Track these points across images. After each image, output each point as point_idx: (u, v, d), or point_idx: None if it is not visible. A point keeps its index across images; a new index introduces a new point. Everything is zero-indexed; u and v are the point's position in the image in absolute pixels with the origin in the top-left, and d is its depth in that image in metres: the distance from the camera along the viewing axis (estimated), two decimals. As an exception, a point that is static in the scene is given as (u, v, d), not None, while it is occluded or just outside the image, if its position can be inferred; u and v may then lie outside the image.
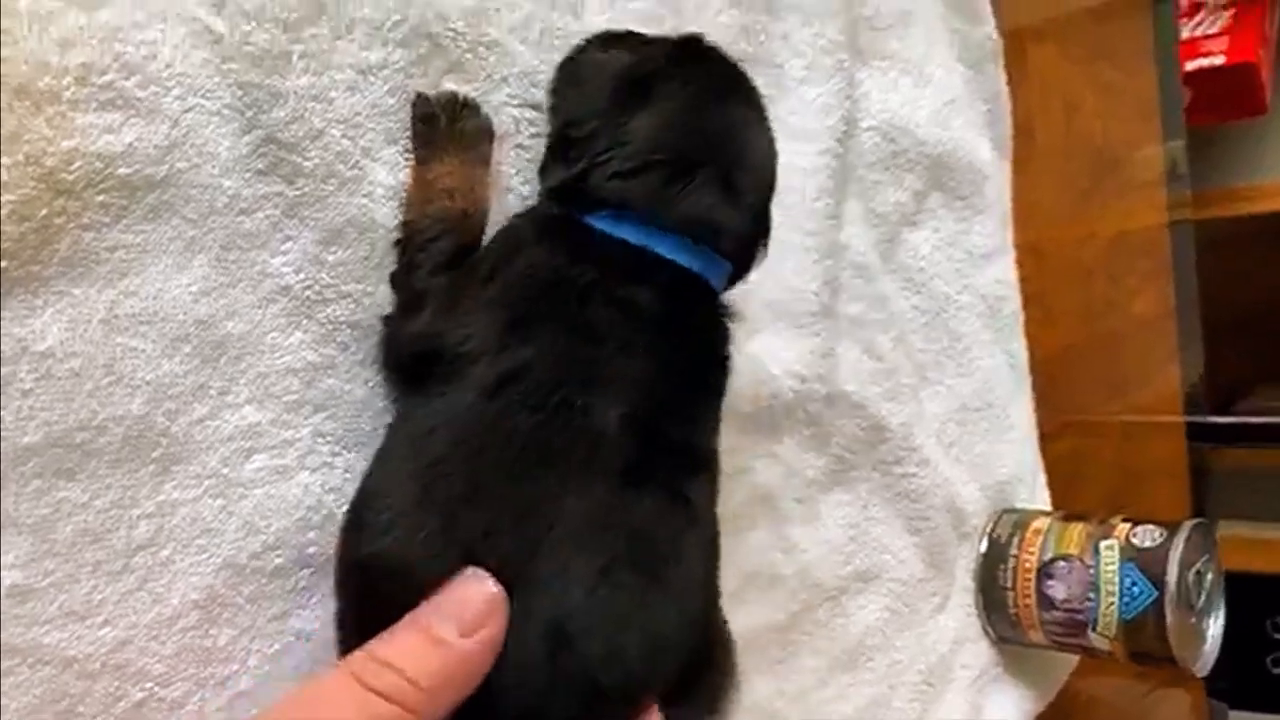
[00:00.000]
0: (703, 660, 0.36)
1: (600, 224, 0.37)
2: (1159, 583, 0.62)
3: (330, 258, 0.36)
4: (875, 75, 0.62)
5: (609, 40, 0.42)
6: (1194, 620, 0.64)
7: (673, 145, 0.37)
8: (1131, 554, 0.64)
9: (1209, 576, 0.66)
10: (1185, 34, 1.91)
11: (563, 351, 0.33)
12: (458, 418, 0.32)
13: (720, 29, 0.52)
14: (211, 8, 0.33)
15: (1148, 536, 0.65)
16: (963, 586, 0.69)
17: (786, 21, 0.56)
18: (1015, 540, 0.70)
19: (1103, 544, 0.66)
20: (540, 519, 0.31)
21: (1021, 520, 0.71)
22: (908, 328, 0.65)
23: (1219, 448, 1.29)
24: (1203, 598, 0.65)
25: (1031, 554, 0.69)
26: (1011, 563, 0.69)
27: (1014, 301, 0.74)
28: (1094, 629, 0.65)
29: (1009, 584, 0.69)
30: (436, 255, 0.37)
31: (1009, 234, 0.74)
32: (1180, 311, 1.04)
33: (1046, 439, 0.77)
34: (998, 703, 0.70)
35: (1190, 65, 1.78)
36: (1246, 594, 1.28)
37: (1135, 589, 0.63)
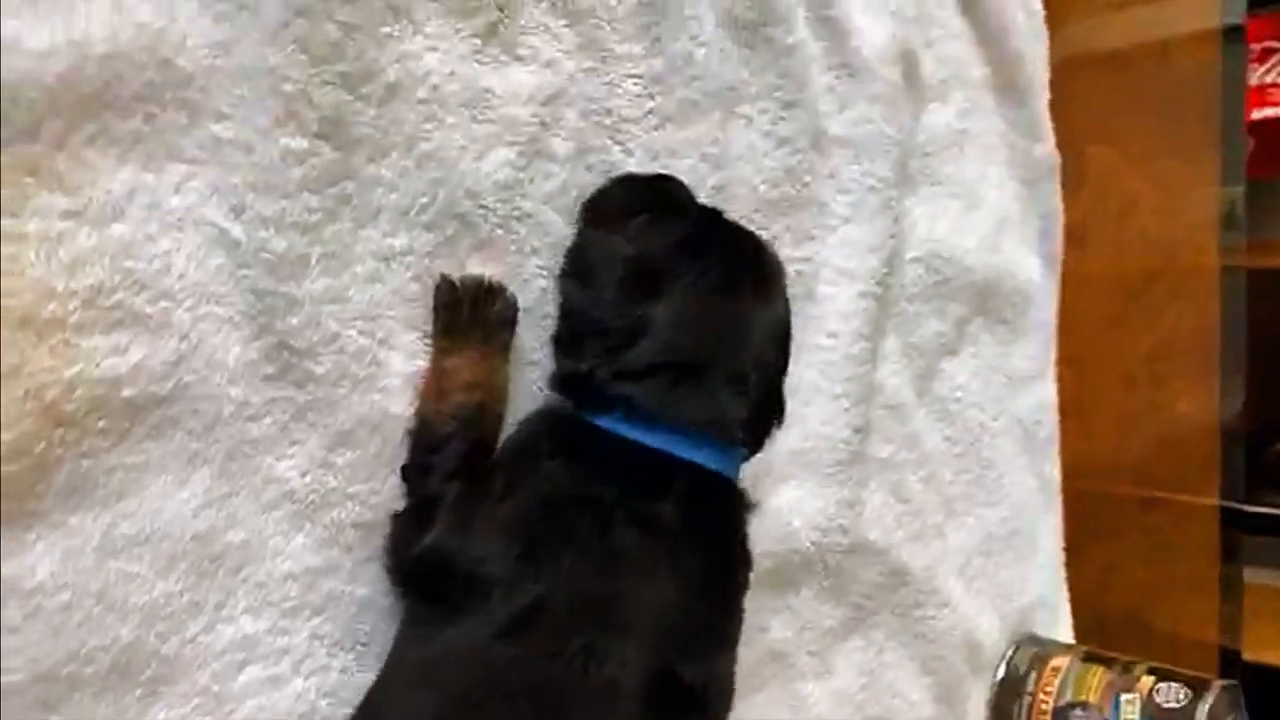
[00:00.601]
0: None
1: (613, 426, 0.36)
2: (1180, 752, 0.60)
3: (339, 460, 0.35)
4: (924, 202, 0.60)
5: (620, 212, 0.40)
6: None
7: (681, 346, 0.36)
8: (1153, 713, 0.62)
9: (1228, 730, 0.64)
10: (1254, 80, 1.83)
11: (581, 587, 0.32)
12: (471, 657, 0.31)
13: (766, 173, 0.50)
14: (230, 213, 0.32)
15: (1172, 696, 0.63)
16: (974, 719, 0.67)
17: (834, 159, 0.54)
18: (1033, 676, 0.68)
19: (1124, 697, 0.64)
20: None
21: (1041, 654, 0.69)
22: (939, 463, 0.63)
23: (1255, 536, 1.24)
24: (1224, 760, 0.63)
25: (1049, 695, 0.67)
26: (1027, 700, 0.67)
27: (1051, 424, 0.72)
28: (1105, 783, 0.63)
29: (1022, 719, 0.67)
30: (451, 458, 0.36)
31: (1052, 354, 0.72)
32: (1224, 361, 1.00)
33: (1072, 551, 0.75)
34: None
35: (1257, 114, 1.71)
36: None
37: (1152, 752, 0.61)
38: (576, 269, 0.39)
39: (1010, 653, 0.70)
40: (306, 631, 0.35)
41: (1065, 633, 0.74)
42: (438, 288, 0.37)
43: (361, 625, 0.36)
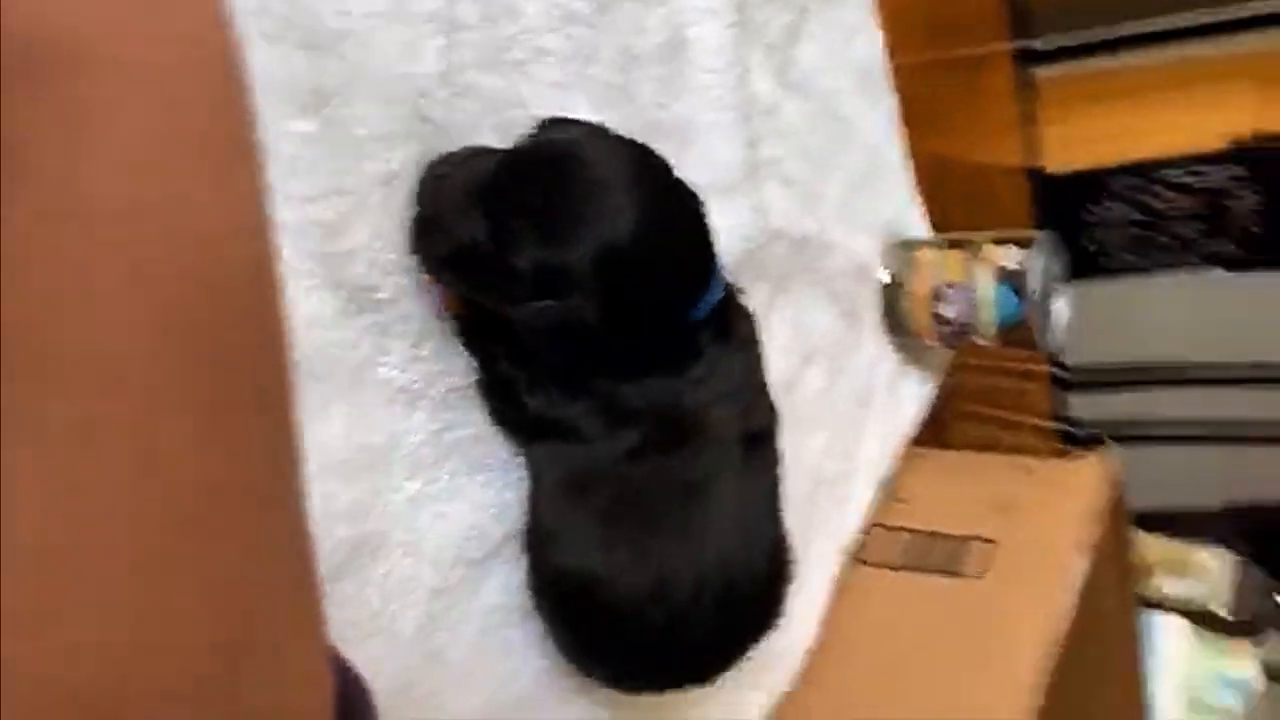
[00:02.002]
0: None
1: None
2: (1025, 295, 0.80)
3: (424, 350, 0.44)
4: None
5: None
6: (1049, 313, 0.82)
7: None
8: (1002, 276, 0.81)
9: (1055, 269, 0.84)
10: None
11: (665, 407, 0.44)
12: (607, 471, 0.44)
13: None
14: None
15: (1014, 257, 0.81)
16: (871, 322, 0.85)
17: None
18: (908, 273, 0.85)
19: (978, 269, 0.82)
20: (698, 512, 0.44)
21: (911, 254, 0.86)
22: (806, 135, 0.74)
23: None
24: (1053, 290, 0.83)
25: (923, 283, 0.85)
26: (908, 292, 0.85)
27: (881, 60, 0.83)
28: (977, 334, 0.83)
29: (907, 309, 0.86)
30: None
31: (873, -1, 0.81)
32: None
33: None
34: (908, 391, 0.90)
35: None
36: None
37: (1007, 303, 0.81)
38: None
39: (886, 260, 0.86)
40: (447, 473, 0.46)
41: (923, 228, 0.92)
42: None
43: (485, 455, 0.47)
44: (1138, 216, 1.54)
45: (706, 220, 0.46)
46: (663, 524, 0.44)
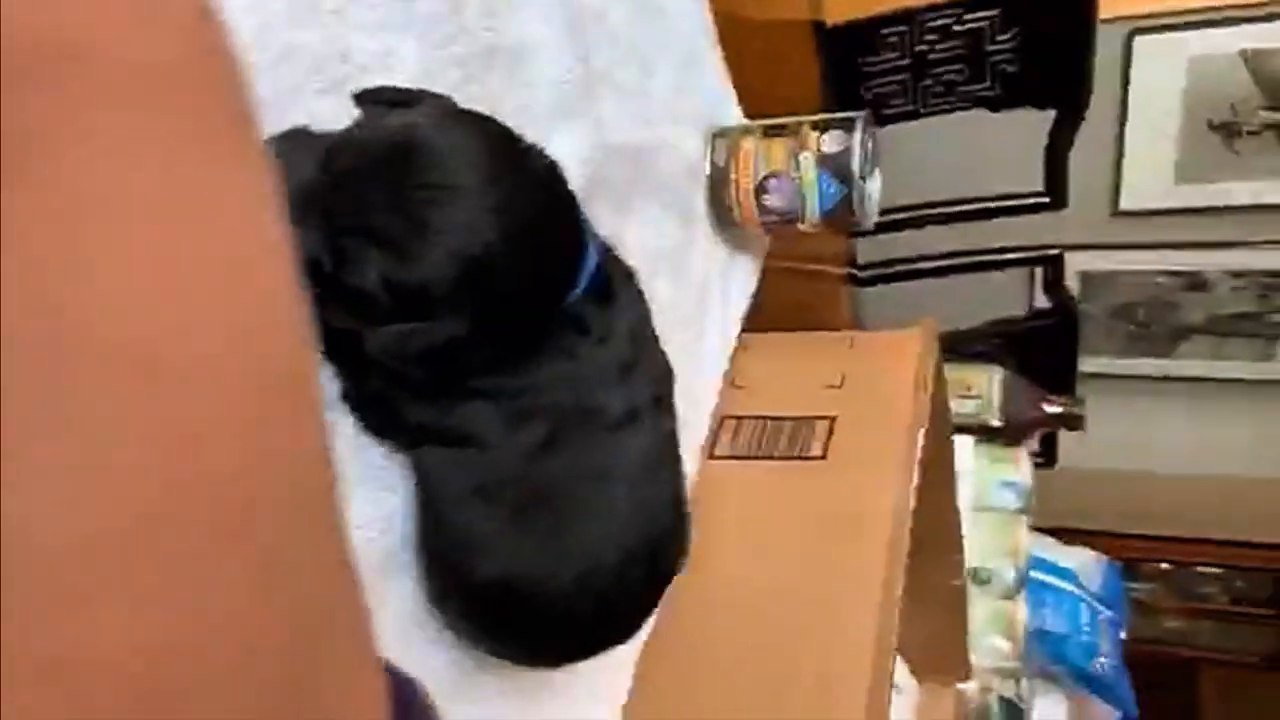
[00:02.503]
0: None
1: None
2: (847, 181, 0.81)
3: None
4: None
5: None
6: (867, 193, 0.84)
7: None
8: (824, 163, 0.81)
9: (871, 147, 0.85)
10: None
11: (565, 395, 0.41)
12: (518, 475, 0.40)
13: None
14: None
15: (833, 142, 0.82)
16: (700, 218, 0.84)
17: None
18: (731, 164, 0.84)
19: (801, 156, 0.82)
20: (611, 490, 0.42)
21: (732, 144, 0.84)
22: (630, 37, 0.69)
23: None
24: (871, 169, 0.85)
25: (747, 175, 0.84)
26: (732, 186, 0.84)
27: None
28: (801, 222, 0.84)
29: (733, 202, 0.85)
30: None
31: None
32: None
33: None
34: (738, 281, 0.90)
35: None
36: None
37: (829, 190, 0.82)
38: None
39: (708, 152, 0.84)
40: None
41: (737, 113, 0.90)
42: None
43: (360, 467, 0.43)
44: (907, 63, 1.60)
45: (570, 190, 0.42)
46: (579, 513, 0.42)
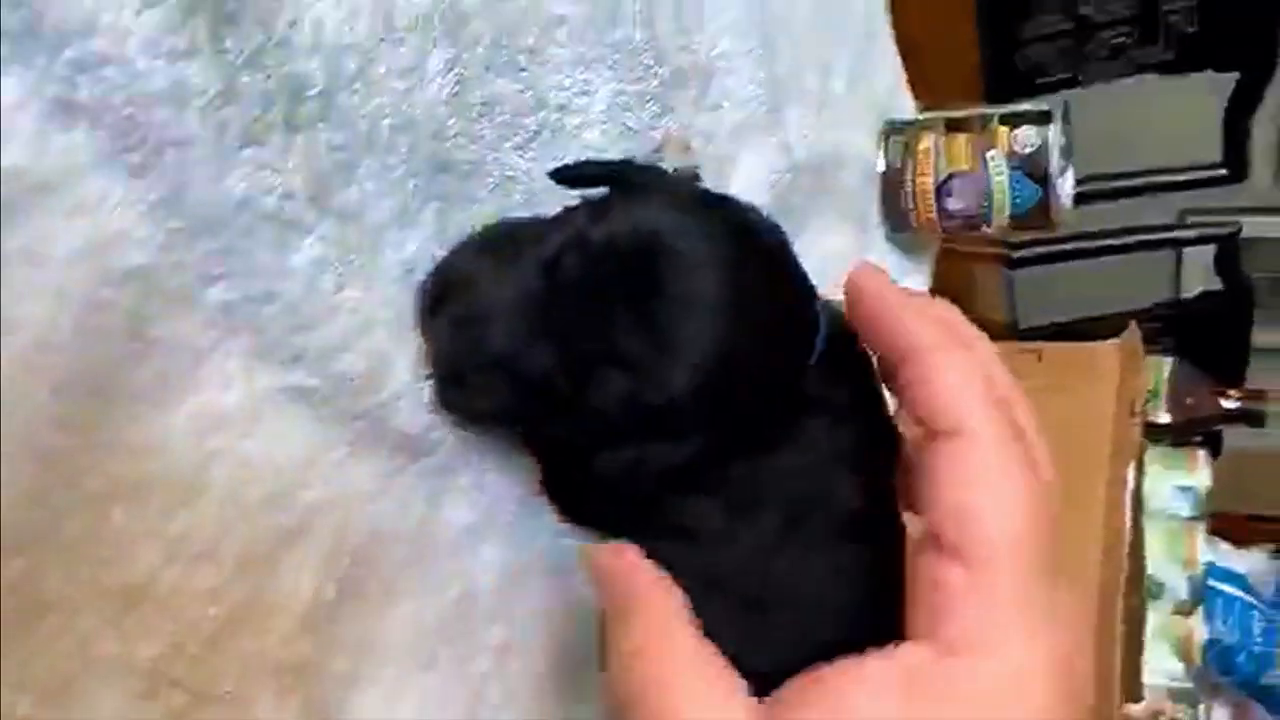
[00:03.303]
0: None
1: None
2: (1043, 182, 0.72)
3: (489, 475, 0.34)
4: None
5: None
6: (1063, 194, 0.75)
7: None
8: (1016, 161, 0.73)
9: (1067, 143, 0.76)
10: None
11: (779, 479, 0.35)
12: (749, 568, 0.35)
13: None
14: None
15: (1026, 141, 0.73)
16: (875, 225, 0.77)
17: None
18: (909, 164, 0.76)
19: (989, 154, 0.74)
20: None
21: (909, 141, 0.76)
22: (815, 36, 0.62)
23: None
24: (1067, 167, 0.76)
25: (927, 175, 0.76)
26: (910, 187, 0.76)
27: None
28: (988, 225, 0.76)
29: (910, 204, 0.77)
30: None
31: None
32: None
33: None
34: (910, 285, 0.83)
35: None
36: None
37: (1023, 191, 0.73)
38: None
39: (881, 149, 0.77)
40: (526, 608, 0.37)
41: (911, 105, 0.82)
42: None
43: (565, 568, 0.38)
44: (1069, 27, 1.47)
45: (796, 260, 0.36)
46: (813, 610, 0.37)
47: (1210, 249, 1.62)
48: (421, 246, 0.31)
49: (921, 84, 0.83)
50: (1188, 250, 1.62)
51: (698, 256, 0.30)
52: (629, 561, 0.30)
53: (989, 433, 0.27)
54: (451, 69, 0.31)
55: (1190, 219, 1.58)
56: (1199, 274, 1.64)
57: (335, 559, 0.29)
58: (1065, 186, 0.75)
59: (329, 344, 0.26)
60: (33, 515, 0.21)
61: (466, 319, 0.29)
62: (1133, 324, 0.79)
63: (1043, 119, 0.73)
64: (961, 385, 0.27)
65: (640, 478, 0.30)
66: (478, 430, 0.33)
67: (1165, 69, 1.46)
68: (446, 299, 0.30)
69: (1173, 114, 1.48)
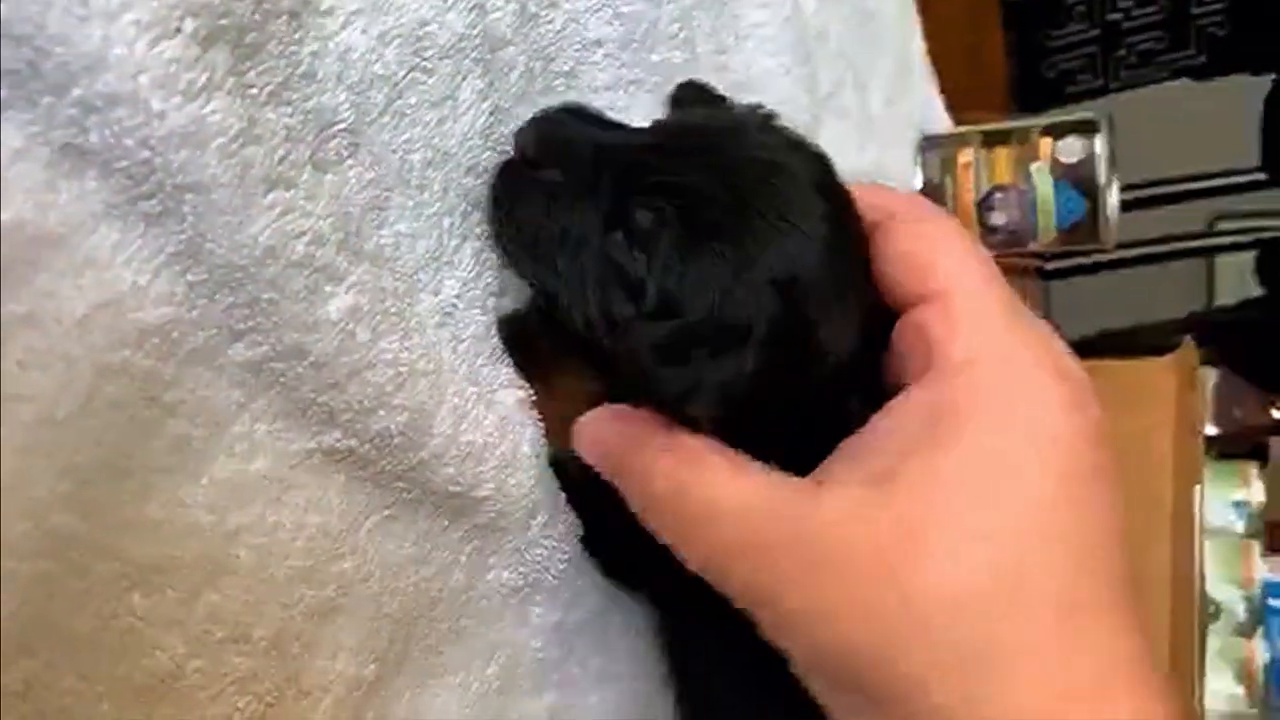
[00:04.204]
0: None
1: None
2: (1091, 193, 0.69)
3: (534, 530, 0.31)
4: None
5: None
6: (1110, 207, 0.72)
7: None
8: (1061, 173, 0.70)
9: (1112, 151, 0.73)
10: None
11: None
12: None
13: None
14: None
15: (1071, 151, 0.70)
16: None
17: None
18: (948, 179, 0.73)
19: (1033, 167, 0.71)
20: None
21: (947, 155, 0.74)
22: (852, 55, 0.60)
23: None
24: (1113, 177, 0.73)
25: (968, 190, 0.73)
26: (949, 203, 0.74)
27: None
28: (1034, 240, 0.73)
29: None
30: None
31: None
32: None
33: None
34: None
35: None
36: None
37: (1070, 203, 0.70)
38: None
39: (917, 164, 0.74)
40: (577, 665, 0.34)
41: (946, 118, 0.79)
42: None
43: (617, 627, 0.35)
44: (1096, 34, 1.44)
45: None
46: None
47: (1245, 255, 1.58)
48: (458, 289, 0.28)
49: (949, 95, 0.81)
50: (1220, 257, 1.58)
51: (798, 163, 0.30)
52: (629, 414, 0.27)
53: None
54: (486, 98, 0.29)
55: (1221, 224, 1.54)
56: (1234, 280, 1.60)
57: (374, 634, 0.26)
58: (1113, 197, 0.73)
59: (365, 401, 0.24)
60: (41, 610, 0.19)
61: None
62: (1187, 338, 0.75)
63: (1087, 128, 0.70)
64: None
65: (701, 395, 0.26)
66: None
67: (1197, 74, 1.43)
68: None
69: (1206, 118, 1.45)
